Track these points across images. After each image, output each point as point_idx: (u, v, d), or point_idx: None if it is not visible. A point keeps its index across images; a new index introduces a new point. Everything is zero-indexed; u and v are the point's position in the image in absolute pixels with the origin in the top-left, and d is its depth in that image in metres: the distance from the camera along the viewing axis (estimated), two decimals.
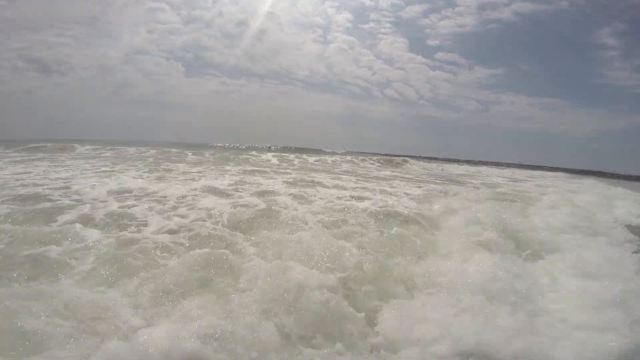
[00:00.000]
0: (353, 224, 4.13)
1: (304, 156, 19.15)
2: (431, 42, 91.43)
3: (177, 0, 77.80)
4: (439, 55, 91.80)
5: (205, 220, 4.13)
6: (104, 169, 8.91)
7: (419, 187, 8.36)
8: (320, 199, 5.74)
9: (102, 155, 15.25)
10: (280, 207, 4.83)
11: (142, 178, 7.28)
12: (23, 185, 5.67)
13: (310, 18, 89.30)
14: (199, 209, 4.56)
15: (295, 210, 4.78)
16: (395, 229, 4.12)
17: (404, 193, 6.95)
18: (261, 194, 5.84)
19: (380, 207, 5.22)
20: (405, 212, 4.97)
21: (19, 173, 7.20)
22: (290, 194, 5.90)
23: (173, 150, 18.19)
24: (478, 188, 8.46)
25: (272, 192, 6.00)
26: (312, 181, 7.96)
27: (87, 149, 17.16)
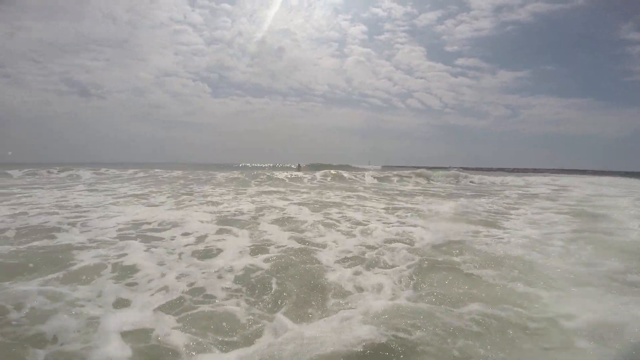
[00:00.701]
0: None
1: (345, 174, 17.41)
2: (449, 49, 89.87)
3: (199, 21, 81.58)
4: (460, 61, 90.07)
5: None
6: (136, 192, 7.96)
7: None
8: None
9: (137, 178, 14.59)
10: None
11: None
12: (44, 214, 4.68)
13: (325, 33, 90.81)
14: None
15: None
16: None
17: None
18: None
19: None
20: None
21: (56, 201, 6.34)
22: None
23: (200, 173, 17.53)
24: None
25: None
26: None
27: (122, 172, 16.73)
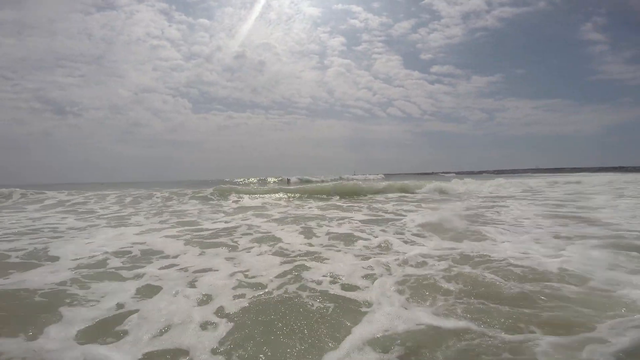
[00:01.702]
0: None
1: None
2: (424, 57, 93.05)
3: (176, 36, 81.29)
4: (435, 68, 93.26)
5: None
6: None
7: None
8: None
9: (113, 200, 13.52)
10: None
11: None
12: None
13: (305, 45, 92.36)
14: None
15: None
16: None
17: None
18: None
19: None
20: None
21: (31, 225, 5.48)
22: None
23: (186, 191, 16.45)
24: None
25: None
26: None
27: (102, 194, 15.58)
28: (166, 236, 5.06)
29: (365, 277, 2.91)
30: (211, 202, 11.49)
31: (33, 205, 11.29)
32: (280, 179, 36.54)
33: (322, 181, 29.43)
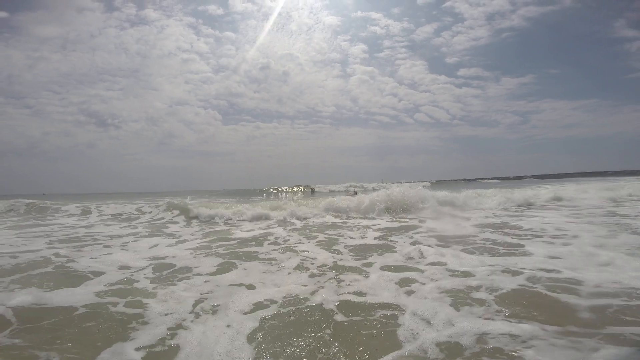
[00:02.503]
0: None
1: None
2: (450, 60, 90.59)
3: (205, 49, 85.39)
4: (462, 71, 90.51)
5: None
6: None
7: None
8: None
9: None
10: None
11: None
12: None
13: (327, 54, 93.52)
14: None
15: None
16: None
17: None
18: None
19: None
20: None
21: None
22: None
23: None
24: None
25: None
26: None
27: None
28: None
29: None
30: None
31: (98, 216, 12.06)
32: (303, 188, 35.32)
33: (352, 190, 29.28)
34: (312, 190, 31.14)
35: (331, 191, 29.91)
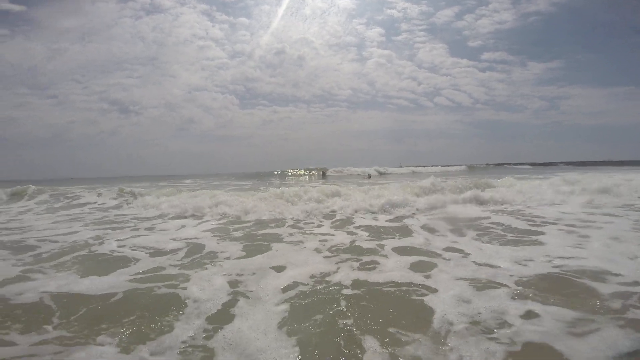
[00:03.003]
0: None
1: None
2: (473, 44, 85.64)
3: (220, 36, 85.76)
4: (486, 55, 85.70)
5: None
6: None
7: None
8: None
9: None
10: None
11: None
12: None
13: (342, 38, 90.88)
14: None
15: None
16: None
17: None
18: None
19: None
20: None
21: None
22: None
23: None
24: None
25: None
26: None
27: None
28: None
29: None
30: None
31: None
32: (316, 171, 33.91)
33: (366, 173, 28.83)
34: (324, 174, 30.52)
35: (343, 174, 29.63)
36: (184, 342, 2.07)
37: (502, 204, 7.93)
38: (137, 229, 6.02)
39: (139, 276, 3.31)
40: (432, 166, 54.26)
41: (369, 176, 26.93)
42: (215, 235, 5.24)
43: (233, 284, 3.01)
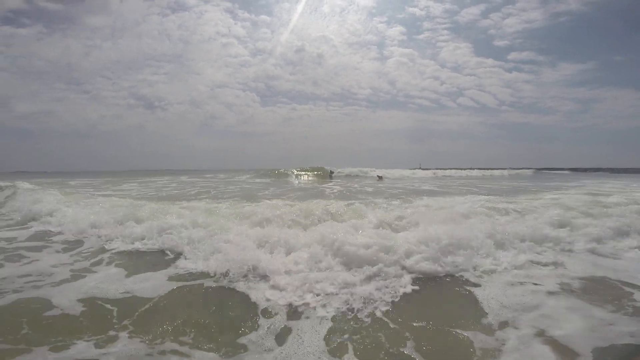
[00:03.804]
0: None
1: None
2: (499, 43, 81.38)
3: (242, 34, 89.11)
4: (512, 55, 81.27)
5: None
6: None
7: None
8: None
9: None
10: None
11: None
12: None
13: (362, 36, 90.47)
14: None
15: None
16: None
17: None
18: None
19: None
20: None
21: None
22: None
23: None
24: None
25: None
26: None
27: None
28: None
29: None
30: None
31: None
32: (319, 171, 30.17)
33: (376, 175, 24.90)
34: (331, 174, 28.50)
35: (351, 175, 27.71)
36: None
37: None
38: None
39: None
40: (456, 169, 49.80)
41: (380, 178, 24.58)
42: None
43: None
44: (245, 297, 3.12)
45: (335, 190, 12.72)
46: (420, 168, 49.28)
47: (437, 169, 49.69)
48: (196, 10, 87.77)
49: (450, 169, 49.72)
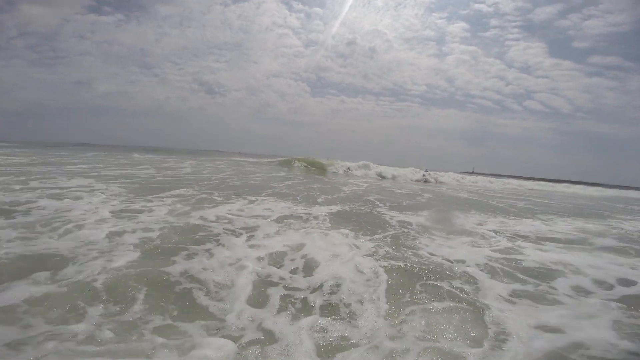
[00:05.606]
0: None
1: None
2: (579, 45, 71.71)
3: (296, 25, 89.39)
4: (594, 59, 71.42)
5: None
6: None
7: None
8: None
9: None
10: None
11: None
12: None
13: (419, 32, 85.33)
14: None
15: None
16: None
17: None
18: None
19: None
20: None
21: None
22: None
23: None
24: None
25: None
26: None
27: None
28: None
29: None
30: None
31: None
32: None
33: (422, 175, 17.22)
34: (347, 171, 20.59)
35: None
36: None
37: None
38: None
39: None
40: (514, 177, 42.34)
41: (425, 178, 18.59)
42: None
43: None
44: None
45: (347, 191, 8.65)
46: (473, 172, 45.89)
47: (492, 174, 45.66)
48: (254, 1, 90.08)
49: (508, 176, 43.52)
